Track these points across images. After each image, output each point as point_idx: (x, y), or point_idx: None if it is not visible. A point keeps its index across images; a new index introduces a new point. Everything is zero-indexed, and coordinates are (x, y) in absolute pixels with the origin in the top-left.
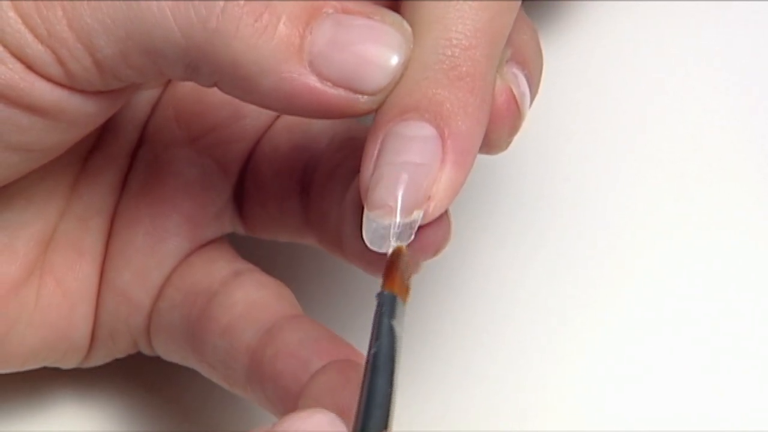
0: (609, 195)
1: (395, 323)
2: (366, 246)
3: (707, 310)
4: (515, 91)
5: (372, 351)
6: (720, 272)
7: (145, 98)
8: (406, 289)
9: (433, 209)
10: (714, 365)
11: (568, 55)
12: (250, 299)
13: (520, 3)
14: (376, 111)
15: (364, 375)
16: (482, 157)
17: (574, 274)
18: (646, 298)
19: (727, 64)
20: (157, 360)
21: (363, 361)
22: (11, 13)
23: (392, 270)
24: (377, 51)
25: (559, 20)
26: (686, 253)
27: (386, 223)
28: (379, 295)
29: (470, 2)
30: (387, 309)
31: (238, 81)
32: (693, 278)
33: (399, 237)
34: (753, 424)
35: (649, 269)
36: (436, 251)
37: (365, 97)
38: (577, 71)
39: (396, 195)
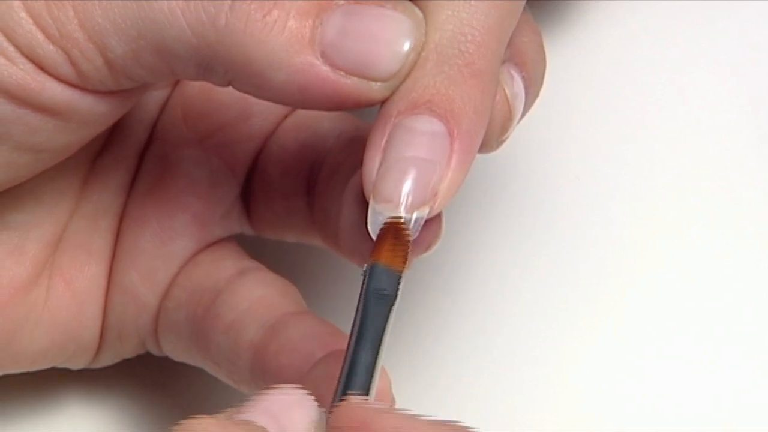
0: (613, 195)
1: (382, 292)
2: (362, 241)
3: (709, 308)
4: (508, 92)
5: (356, 321)
6: (722, 272)
7: (153, 99)
8: (399, 259)
9: (437, 206)
10: (715, 365)
11: (573, 55)
12: (254, 296)
13: (524, 4)
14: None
15: (348, 344)
16: (488, 156)
17: (576, 274)
18: (647, 298)
19: (733, 64)
20: (165, 360)
21: None
22: (22, 14)
23: (381, 241)
24: (388, 37)
25: (563, 20)
26: (688, 252)
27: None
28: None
29: (482, 1)
30: (372, 279)
31: (251, 78)
32: (695, 277)
33: None
34: (753, 425)
35: (650, 268)
36: (428, 248)
37: (378, 84)
38: (582, 71)
39: (404, 190)
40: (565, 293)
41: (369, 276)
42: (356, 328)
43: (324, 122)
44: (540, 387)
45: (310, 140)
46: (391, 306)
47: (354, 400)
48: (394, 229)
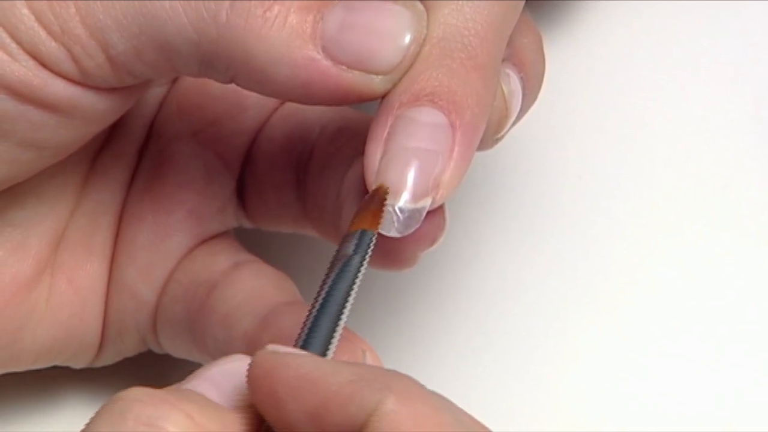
0: (616, 194)
1: (343, 256)
2: None
3: (711, 307)
4: (505, 89)
5: (329, 286)
6: (724, 271)
7: (152, 96)
8: (366, 220)
9: (440, 198)
10: (717, 364)
11: (574, 55)
12: (248, 288)
13: (523, 3)
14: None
15: (313, 306)
16: (491, 157)
17: (579, 273)
18: (649, 298)
19: (735, 64)
20: (166, 358)
21: (359, 343)
22: (25, 11)
23: (378, 207)
24: (388, 29)
25: (563, 21)
26: (690, 251)
27: (398, 205)
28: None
29: None
30: (365, 247)
31: (253, 74)
32: (697, 276)
33: (407, 223)
34: (755, 424)
35: (653, 267)
36: (433, 242)
37: (380, 77)
38: (583, 71)
39: (407, 179)
40: (568, 292)
41: (339, 246)
42: (319, 292)
43: (309, 112)
44: (541, 386)
45: (296, 131)
46: (356, 266)
47: (270, 347)
48: (369, 197)
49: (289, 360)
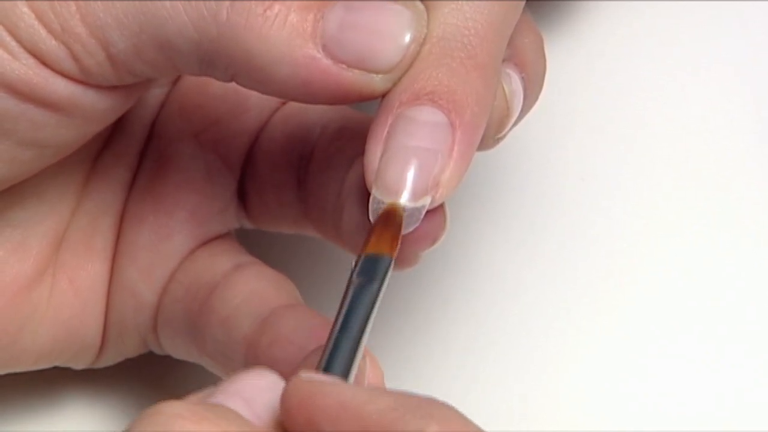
0: (618, 195)
1: (363, 280)
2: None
3: (712, 307)
4: (506, 89)
5: (348, 310)
6: (724, 271)
7: (154, 96)
8: (386, 244)
9: (439, 197)
10: (718, 364)
11: (575, 56)
12: (248, 290)
13: (524, 3)
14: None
15: (330, 332)
16: (492, 159)
17: (580, 274)
18: (650, 298)
19: (736, 64)
20: (168, 359)
21: None
22: (25, 9)
23: (370, 230)
24: (388, 29)
25: (563, 21)
26: (691, 252)
27: (398, 204)
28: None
29: None
30: (356, 268)
31: (253, 73)
32: (697, 277)
33: (407, 221)
34: (755, 424)
35: (653, 268)
36: (434, 241)
37: (380, 76)
38: (585, 72)
39: (407, 178)
40: (568, 292)
41: (354, 265)
42: (338, 316)
43: (310, 112)
44: (541, 386)
45: (297, 132)
46: (375, 292)
47: (304, 375)
48: (383, 217)
49: (326, 388)
